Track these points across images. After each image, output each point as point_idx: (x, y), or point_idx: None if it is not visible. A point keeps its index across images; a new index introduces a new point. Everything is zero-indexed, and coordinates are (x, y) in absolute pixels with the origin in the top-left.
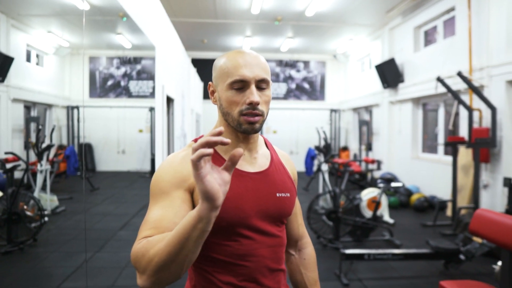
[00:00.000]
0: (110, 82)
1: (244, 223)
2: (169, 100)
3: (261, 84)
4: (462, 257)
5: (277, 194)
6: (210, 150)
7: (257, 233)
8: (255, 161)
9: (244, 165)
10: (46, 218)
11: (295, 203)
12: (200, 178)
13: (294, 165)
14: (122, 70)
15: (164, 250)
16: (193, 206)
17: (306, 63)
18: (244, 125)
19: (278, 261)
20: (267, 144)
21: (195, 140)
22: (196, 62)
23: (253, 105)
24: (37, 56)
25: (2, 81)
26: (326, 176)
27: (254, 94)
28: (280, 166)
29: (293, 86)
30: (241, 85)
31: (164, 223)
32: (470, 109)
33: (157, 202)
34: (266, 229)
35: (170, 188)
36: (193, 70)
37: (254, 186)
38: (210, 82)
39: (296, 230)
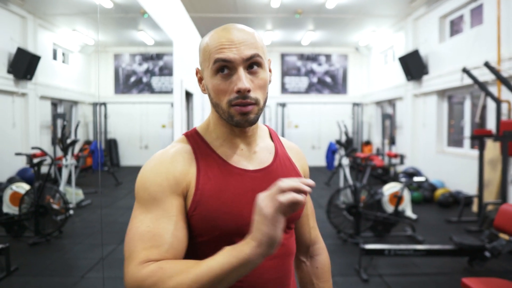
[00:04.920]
0: (132, 79)
1: (242, 232)
2: (188, 95)
3: (251, 66)
4: (487, 254)
5: None
6: (302, 198)
7: None
8: (255, 156)
9: (242, 162)
10: (71, 211)
11: (305, 204)
12: (278, 224)
13: (305, 158)
14: (145, 66)
15: (191, 287)
16: (186, 213)
17: (328, 57)
18: (236, 117)
19: (285, 275)
20: (271, 135)
21: (186, 135)
22: None
23: (242, 93)
24: (63, 54)
25: (30, 79)
26: (347, 170)
27: (241, 80)
28: (287, 161)
29: (315, 80)
30: (226, 70)
31: (166, 239)
32: (498, 101)
33: (149, 211)
34: None
35: (163, 194)
36: None
37: (254, 187)
38: (197, 68)
39: (307, 234)
